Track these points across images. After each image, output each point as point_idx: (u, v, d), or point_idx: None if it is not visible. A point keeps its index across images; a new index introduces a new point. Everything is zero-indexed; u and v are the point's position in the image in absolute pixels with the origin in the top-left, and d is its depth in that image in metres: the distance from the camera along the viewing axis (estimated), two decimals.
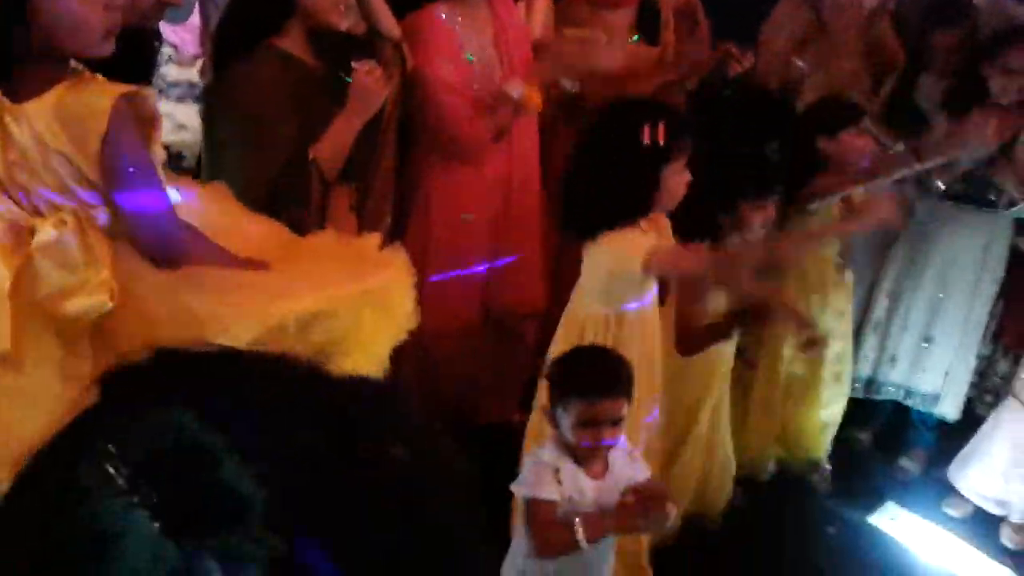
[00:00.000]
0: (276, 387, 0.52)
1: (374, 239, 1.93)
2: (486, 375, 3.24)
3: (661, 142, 2.17)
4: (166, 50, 4.24)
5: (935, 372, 3.52)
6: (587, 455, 1.96)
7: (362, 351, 1.81)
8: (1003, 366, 3.49)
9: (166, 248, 1.64)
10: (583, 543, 1.85)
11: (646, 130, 2.16)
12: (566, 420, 1.93)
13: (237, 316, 1.65)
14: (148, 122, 1.60)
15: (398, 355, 2.91)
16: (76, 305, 1.56)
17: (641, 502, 1.87)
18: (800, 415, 3.22)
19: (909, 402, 3.59)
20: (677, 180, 2.26)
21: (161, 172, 1.62)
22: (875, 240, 3.47)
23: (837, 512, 3.33)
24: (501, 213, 2.91)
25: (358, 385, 0.59)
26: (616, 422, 1.93)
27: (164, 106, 4.04)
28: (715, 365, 2.73)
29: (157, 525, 0.42)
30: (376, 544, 0.47)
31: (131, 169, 1.58)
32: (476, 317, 3.04)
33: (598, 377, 1.95)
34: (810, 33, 3.39)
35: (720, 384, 2.79)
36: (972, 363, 3.50)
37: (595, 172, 2.28)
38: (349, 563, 0.45)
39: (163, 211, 1.63)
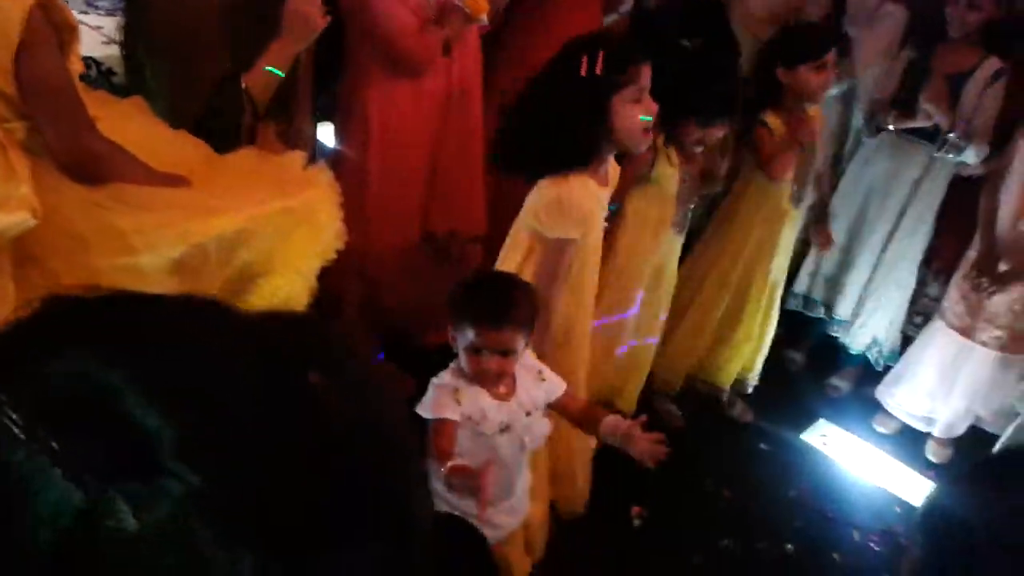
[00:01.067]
0: (182, 324, 0.51)
1: (298, 157, 1.89)
2: (429, 297, 3.23)
3: (599, 72, 2.08)
4: None
5: (849, 297, 3.63)
6: (483, 378, 1.95)
7: (288, 269, 1.80)
8: (933, 288, 3.57)
9: (85, 163, 1.60)
10: (440, 477, 1.85)
11: (583, 63, 2.08)
12: (459, 344, 1.93)
13: (162, 233, 1.63)
14: (65, 31, 1.54)
15: (340, 276, 2.92)
16: None
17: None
18: (729, 340, 3.29)
19: (832, 328, 3.70)
20: (631, 109, 2.15)
21: (78, 84, 1.57)
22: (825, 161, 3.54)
23: (770, 430, 3.42)
24: (441, 131, 2.86)
25: (273, 317, 0.58)
26: (505, 353, 1.92)
27: (94, 19, 3.91)
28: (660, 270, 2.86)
29: (59, 471, 0.42)
30: (292, 471, 0.47)
31: (48, 81, 1.53)
32: (416, 238, 3.01)
33: (487, 307, 1.92)
34: None
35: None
36: (896, 302, 3.59)
37: (539, 112, 2.18)
38: (265, 491, 0.45)
39: (82, 124, 1.58)
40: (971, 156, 3.18)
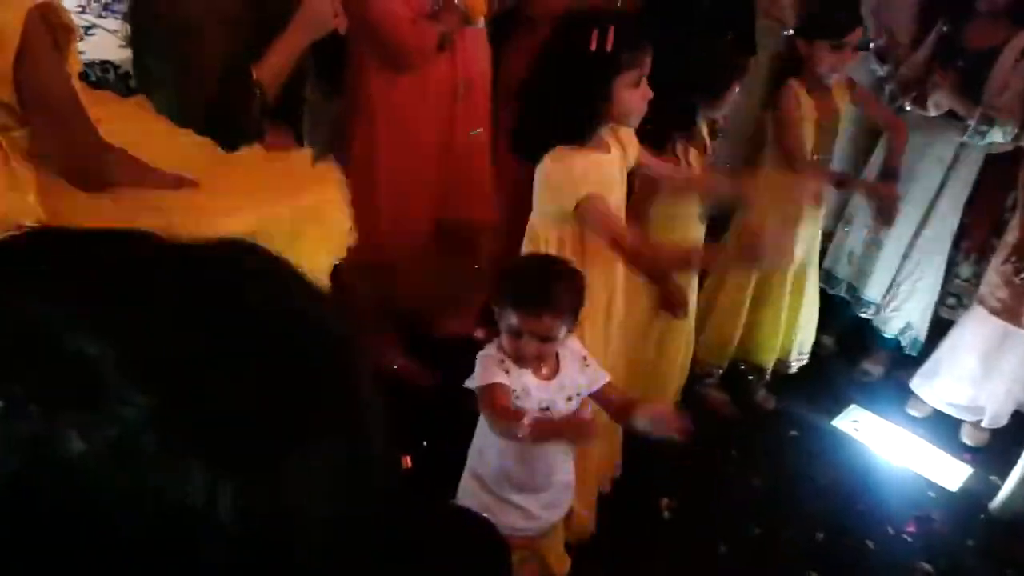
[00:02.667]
0: (115, 255, 0.52)
1: (306, 154, 1.88)
2: (445, 288, 3.23)
3: (608, 50, 2.07)
4: None
5: (878, 279, 3.55)
6: (523, 360, 1.96)
7: (302, 267, 1.78)
8: (965, 269, 3.48)
9: (88, 169, 1.59)
10: (522, 435, 1.86)
11: (593, 39, 2.07)
12: (502, 324, 1.95)
13: (170, 236, 1.61)
14: (61, 32, 1.53)
15: (354, 270, 2.92)
16: (1, 233, 1.52)
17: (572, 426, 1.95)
18: (761, 321, 3.24)
19: (860, 310, 3.62)
20: (631, 94, 2.15)
21: (78, 87, 1.56)
22: (858, 141, 3.49)
23: (801, 416, 3.37)
24: (448, 122, 2.84)
25: (212, 244, 0.58)
26: (545, 338, 1.92)
27: (111, 23, 3.93)
28: None
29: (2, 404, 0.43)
30: (231, 378, 0.48)
31: (47, 88, 1.52)
32: (429, 230, 3.00)
33: (528, 293, 1.92)
34: None
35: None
36: (929, 285, 3.50)
37: (545, 88, 2.18)
38: (207, 402, 0.46)
39: (83, 130, 1.57)
40: (999, 135, 3.09)
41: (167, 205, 1.65)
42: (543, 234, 2.28)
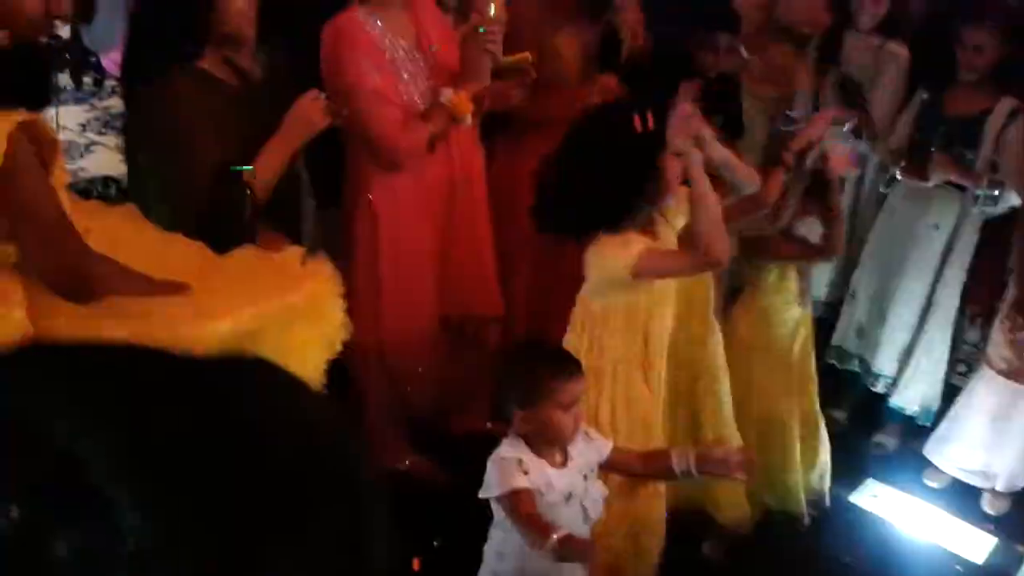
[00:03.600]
0: (118, 364, 0.55)
1: (296, 252, 1.90)
2: (451, 384, 3.21)
3: (652, 127, 2.15)
4: (109, 83, 4.22)
5: (888, 352, 3.52)
6: (549, 445, 1.96)
7: (295, 365, 1.77)
8: (972, 334, 3.45)
9: (76, 283, 1.60)
10: (551, 550, 1.81)
11: (637, 120, 2.14)
12: (541, 413, 1.91)
13: (161, 343, 1.61)
14: (46, 147, 1.56)
15: (361, 370, 2.92)
16: None
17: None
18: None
19: (870, 382, 3.58)
20: (674, 164, 2.21)
21: (64, 199, 1.58)
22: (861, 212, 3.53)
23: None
24: (447, 217, 2.88)
25: (218, 359, 0.61)
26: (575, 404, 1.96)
27: (111, 139, 4.03)
28: None
29: None
30: (235, 506, 0.48)
31: (33, 206, 1.54)
32: (435, 326, 3.00)
33: (560, 362, 1.96)
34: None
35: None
36: (939, 356, 3.46)
37: (588, 175, 2.20)
38: (203, 528, 0.47)
39: (70, 245, 1.59)
40: (1012, 200, 3.10)
41: (157, 311, 1.65)
42: (592, 316, 2.34)
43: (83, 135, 4.31)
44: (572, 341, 2.35)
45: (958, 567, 3.03)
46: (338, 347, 1.87)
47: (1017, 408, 3.14)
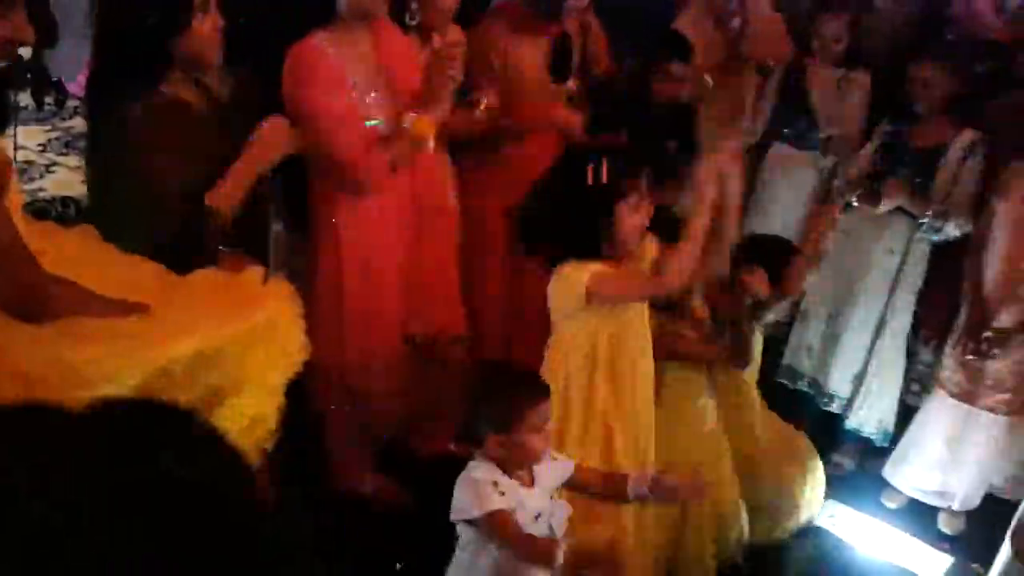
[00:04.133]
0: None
1: (257, 272, 1.89)
2: (415, 406, 3.21)
3: (606, 180, 2.23)
4: (71, 103, 4.21)
5: (842, 374, 3.59)
6: (518, 467, 1.98)
7: (255, 386, 1.78)
8: (926, 356, 3.52)
9: (30, 304, 1.58)
10: (558, 561, 1.89)
11: (590, 171, 2.23)
12: (515, 436, 1.93)
13: (116, 362, 1.60)
14: (0, 169, 1.55)
15: (323, 391, 2.91)
16: None
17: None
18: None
19: (823, 403, 3.65)
20: (631, 220, 2.28)
21: (18, 221, 1.57)
22: None
23: None
24: (413, 238, 2.89)
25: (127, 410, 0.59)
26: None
27: (72, 159, 4.01)
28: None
29: None
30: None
31: None
32: (398, 345, 3.00)
33: (532, 384, 2.01)
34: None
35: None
36: (892, 378, 3.53)
37: (553, 212, 2.32)
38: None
39: (23, 267, 1.58)
40: (953, 229, 3.19)
41: (112, 333, 1.64)
42: (565, 342, 2.39)
43: (43, 155, 4.29)
44: (546, 366, 2.40)
45: None
46: (298, 367, 1.87)
47: (970, 429, 3.21)
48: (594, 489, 2.21)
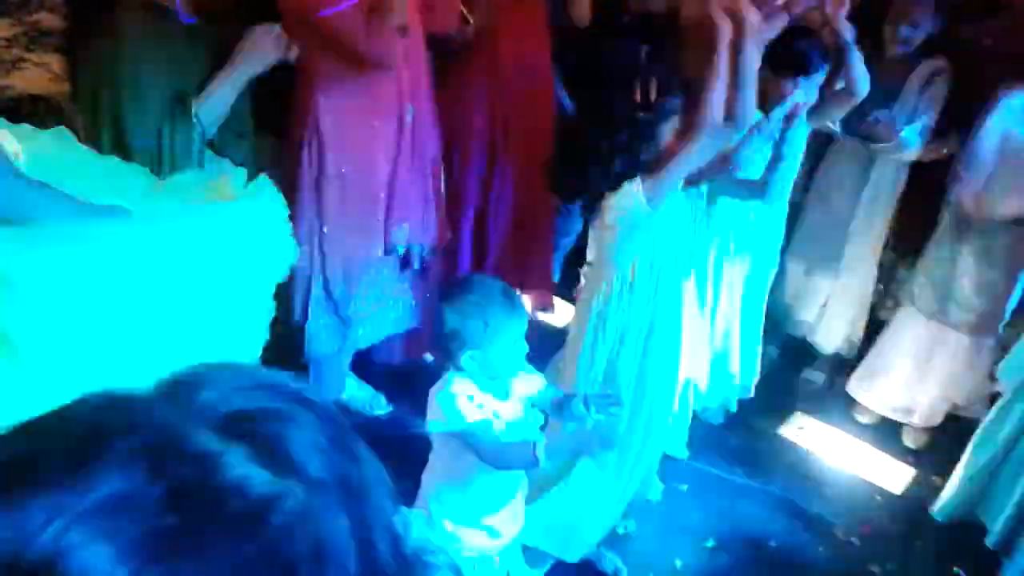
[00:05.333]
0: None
1: (240, 172, 1.86)
2: (398, 316, 3.21)
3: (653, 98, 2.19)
4: None
5: (810, 301, 3.62)
6: (492, 379, 1.98)
7: (244, 292, 1.76)
8: (902, 272, 3.56)
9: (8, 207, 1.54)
10: (541, 460, 1.90)
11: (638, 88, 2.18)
12: (490, 352, 1.92)
13: (103, 266, 1.58)
14: None
15: (306, 297, 2.90)
16: None
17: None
18: None
19: (791, 329, 3.70)
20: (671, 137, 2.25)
21: None
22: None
23: (747, 425, 3.40)
24: (396, 144, 2.84)
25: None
26: None
27: (38, 56, 3.85)
28: None
29: None
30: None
31: None
32: (380, 254, 2.99)
33: (512, 299, 1.96)
34: None
35: None
36: (861, 296, 3.57)
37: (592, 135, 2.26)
38: None
39: None
40: (911, 149, 3.16)
41: (94, 235, 1.61)
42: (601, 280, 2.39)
43: (9, 51, 4.13)
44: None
45: (877, 497, 3.17)
46: (286, 271, 1.85)
47: (938, 348, 3.27)
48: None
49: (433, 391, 1.97)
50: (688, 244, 2.55)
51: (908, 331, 3.33)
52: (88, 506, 0.41)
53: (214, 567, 0.42)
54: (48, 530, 0.41)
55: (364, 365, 3.36)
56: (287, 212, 1.84)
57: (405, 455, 2.23)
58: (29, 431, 0.46)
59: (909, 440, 3.43)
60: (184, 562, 0.41)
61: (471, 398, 1.93)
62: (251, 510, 0.44)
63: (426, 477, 2.16)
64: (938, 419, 3.38)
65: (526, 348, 1.99)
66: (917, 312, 3.28)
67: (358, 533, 0.49)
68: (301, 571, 0.44)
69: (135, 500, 0.42)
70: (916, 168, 3.31)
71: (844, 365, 3.66)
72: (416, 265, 3.08)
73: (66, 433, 0.45)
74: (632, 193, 2.23)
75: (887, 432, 3.46)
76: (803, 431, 3.46)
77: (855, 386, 3.49)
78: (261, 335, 1.79)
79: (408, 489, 2.20)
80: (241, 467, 0.44)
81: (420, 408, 2.00)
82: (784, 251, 3.38)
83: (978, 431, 2.89)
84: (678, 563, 2.78)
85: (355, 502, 0.50)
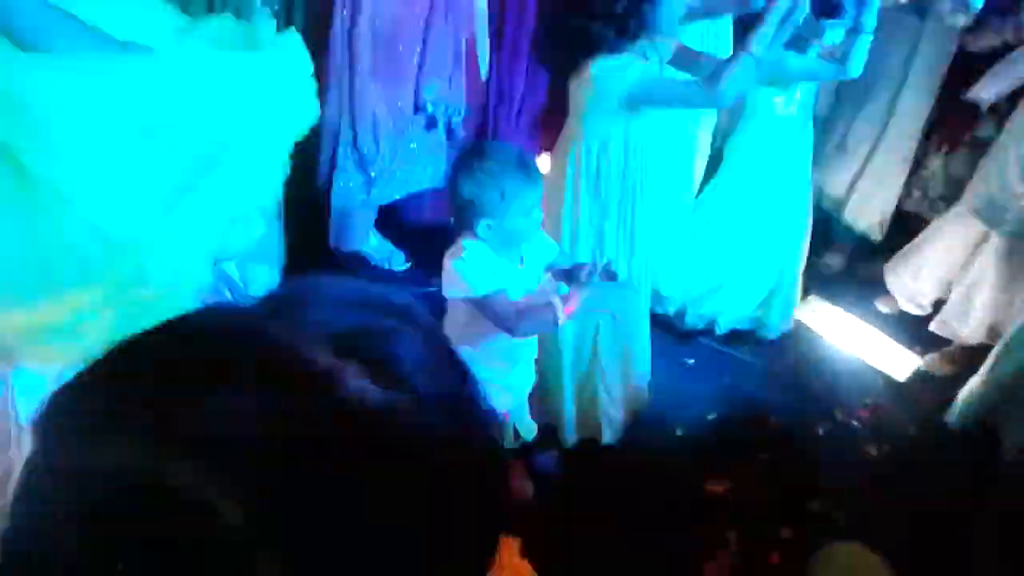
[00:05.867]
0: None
1: (269, 24, 1.80)
2: (420, 174, 3.20)
3: None
4: None
5: (841, 177, 3.56)
6: (507, 247, 1.97)
7: (264, 149, 1.74)
8: (934, 162, 3.47)
9: None
10: (561, 320, 1.97)
11: None
12: (506, 220, 1.90)
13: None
14: None
15: (332, 154, 2.90)
16: None
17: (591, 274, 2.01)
18: None
19: (821, 202, 3.64)
20: None
21: None
22: None
23: None
24: (430, 1, 2.79)
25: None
26: None
27: None
28: None
29: None
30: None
31: None
32: (408, 111, 2.96)
33: (528, 167, 1.92)
34: None
35: None
36: (898, 176, 3.50)
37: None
38: None
39: None
40: (973, 8, 2.93)
41: (114, 70, 1.58)
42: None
43: None
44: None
45: (881, 383, 3.22)
46: (306, 130, 1.82)
47: (982, 251, 3.11)
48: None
49: (448, 258, 1.97)
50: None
51: (956, 230, 3.19)
52: (214, 429, 0.42)
53: (341, 480, 0.43)
54: (173, 454, 0.42)
55: (387, 222, 3.38)
56: (312, 69, 1.79)
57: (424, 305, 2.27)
58: (146, 344, 0.47)
59: (932, 367, 3.29)
60: (311, 478, 0.42)
61: (486, 266, 1.93)
62: (371, 420, 0.45)
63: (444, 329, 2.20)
64: (963, 330, 3.20)
65: (541, 215, 1.98)
66: (967, 213, 3.12)
67: (463, 446, 0.51)
68: (416, 483, 0.46)
69: (259, 419, 0.43)
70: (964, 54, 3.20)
71: (863, 252, 3.65)
72: (444, 124, 3.05)
73: (188, 354, 0.46)
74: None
75: (900, 323, 3.48)
76: (815, 314, 3.49)
77: (889, 275, 3.44)
78: (275, 189, 1.78)
79: None
80: (357, 382, 0.45)
81: (438, 268, 2.01)
82: (822, 123, 3.30)
83: (1005, 337, 2.83)
84: (679, 432, 2.86)
85: (460, 418, 0.51)
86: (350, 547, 0.43)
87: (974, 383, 2.91)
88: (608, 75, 2.19)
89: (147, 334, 0.47)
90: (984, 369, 2.87)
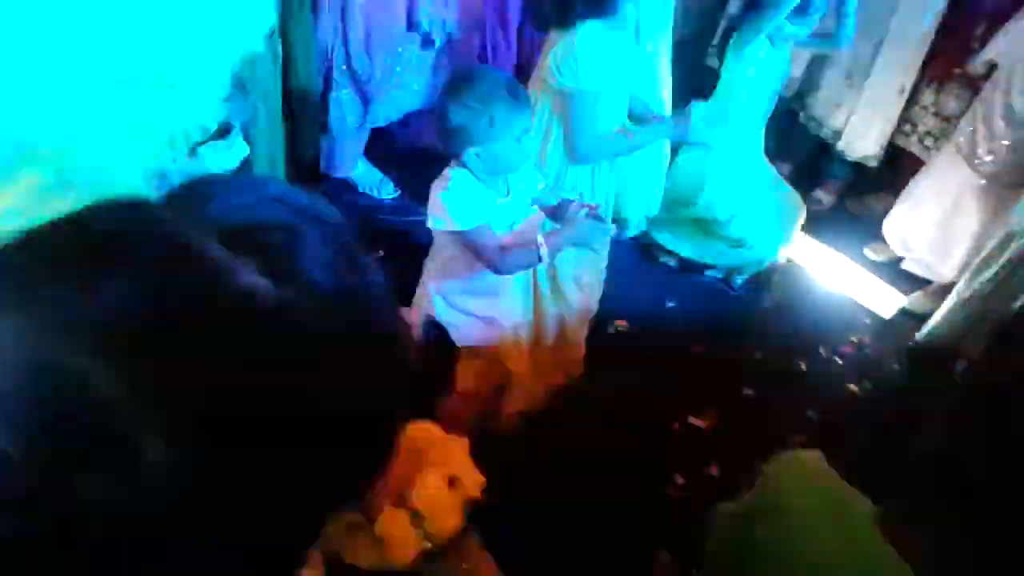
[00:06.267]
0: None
1: None
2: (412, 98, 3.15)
3: None
4: None
5: (842, 105, 3.54)
6: (493, 176, 1.95)
7: None
8: (928, 96, 3.43)
9: None
10: (545, 258, 1.96)
11: None
12: (495, 147, 1.87)
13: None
14: None
15: (327, 77, 2.83)
16: None
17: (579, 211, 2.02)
18: None
19: (813, 127, 3.63)
20: None
21: None
22: None
23: None
24: None
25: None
26: None
27: None
28: None
29: None
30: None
31: None
32: (403, 31, 2.90)
33: (517, 93, 1.87)
34: None
35: None
36: (895, 106, 3.46)
37: None
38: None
39: None
40: None
41: None
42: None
43: None
44: None
45: (866, 320, 3.25)
46: (259, 43, 1.76)
47: (968, 195, 3.08)
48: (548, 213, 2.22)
49: (435, 187, 1.94)
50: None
51: (945, 174, 3.16)
52: (97, 314, 0.42)
53: (216, 367, 0.44)
54: (56, 337, 0.42)
55: (377, 149, 3.34)
56: None
57: (406, 241, 2.25)
58: (41, 236, 0.46)
59: (915, 305, 3.32)
60: (183, 363, 0.43)
61: (472, 198, 1.91)
62: (257, 311, 0.46)
63: (429, 266, 2.19)
64: (942, 269, 3.23)
65: (531, 143, 1.95)
66: (957, 154, 3.08)
67: (358, 340, 0.51)
68: (300, 377, 0.47)
69: (142, 307, 0.43)
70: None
71: (851, 189, 3.64)
72: (438, 43, 2.99)
73: (79, 239, 0.46)
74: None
75: (888, 264, 3.50)
76: (802, 250, 3.50)
77: (888, 227, 3.41)
78: (215, 107, 1.73)
79: (411, 272, 2.25)
80: (248, 277, 0.46)
81: (426, 198, 1.97)
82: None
83: (976, 260, 2.86)
84: (661, 364, 2.86)
85: (358, 314, 0.52)
86: (236, 431, 0.44)
87: (944, 307, 2.96)
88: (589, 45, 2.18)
89: (45, 224, 0.47)
90: (954, 291, 2.93)
